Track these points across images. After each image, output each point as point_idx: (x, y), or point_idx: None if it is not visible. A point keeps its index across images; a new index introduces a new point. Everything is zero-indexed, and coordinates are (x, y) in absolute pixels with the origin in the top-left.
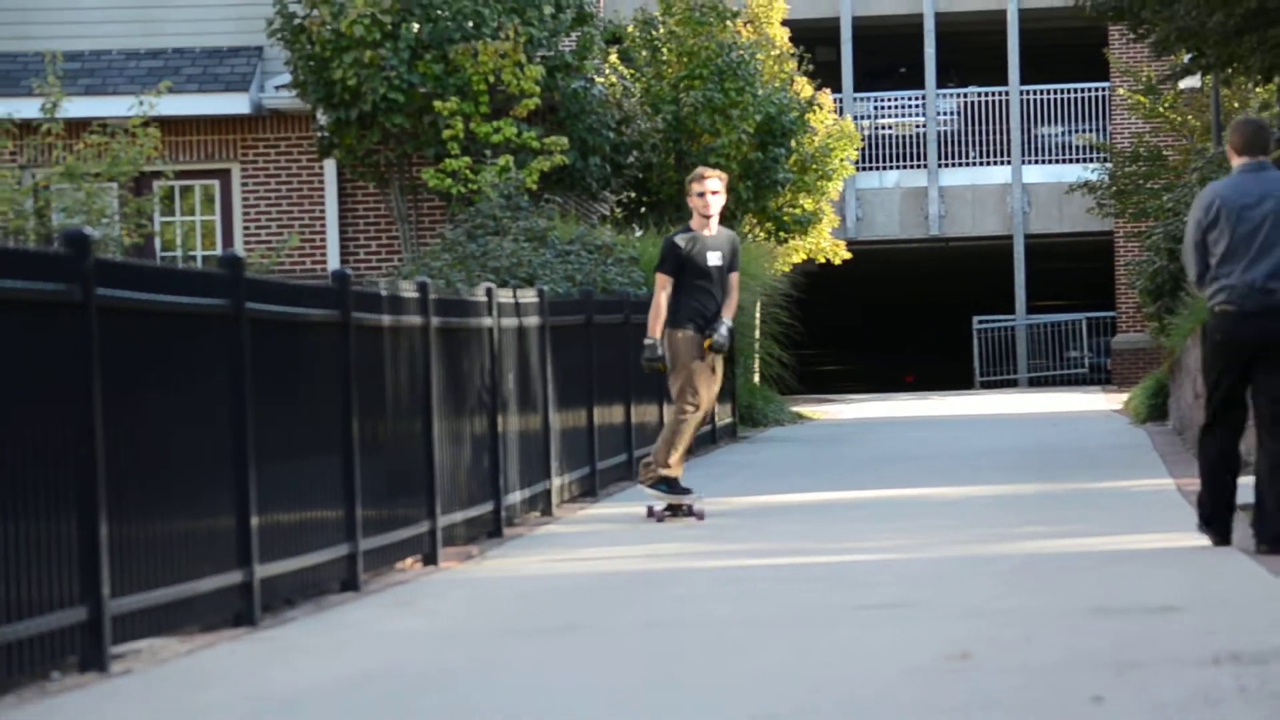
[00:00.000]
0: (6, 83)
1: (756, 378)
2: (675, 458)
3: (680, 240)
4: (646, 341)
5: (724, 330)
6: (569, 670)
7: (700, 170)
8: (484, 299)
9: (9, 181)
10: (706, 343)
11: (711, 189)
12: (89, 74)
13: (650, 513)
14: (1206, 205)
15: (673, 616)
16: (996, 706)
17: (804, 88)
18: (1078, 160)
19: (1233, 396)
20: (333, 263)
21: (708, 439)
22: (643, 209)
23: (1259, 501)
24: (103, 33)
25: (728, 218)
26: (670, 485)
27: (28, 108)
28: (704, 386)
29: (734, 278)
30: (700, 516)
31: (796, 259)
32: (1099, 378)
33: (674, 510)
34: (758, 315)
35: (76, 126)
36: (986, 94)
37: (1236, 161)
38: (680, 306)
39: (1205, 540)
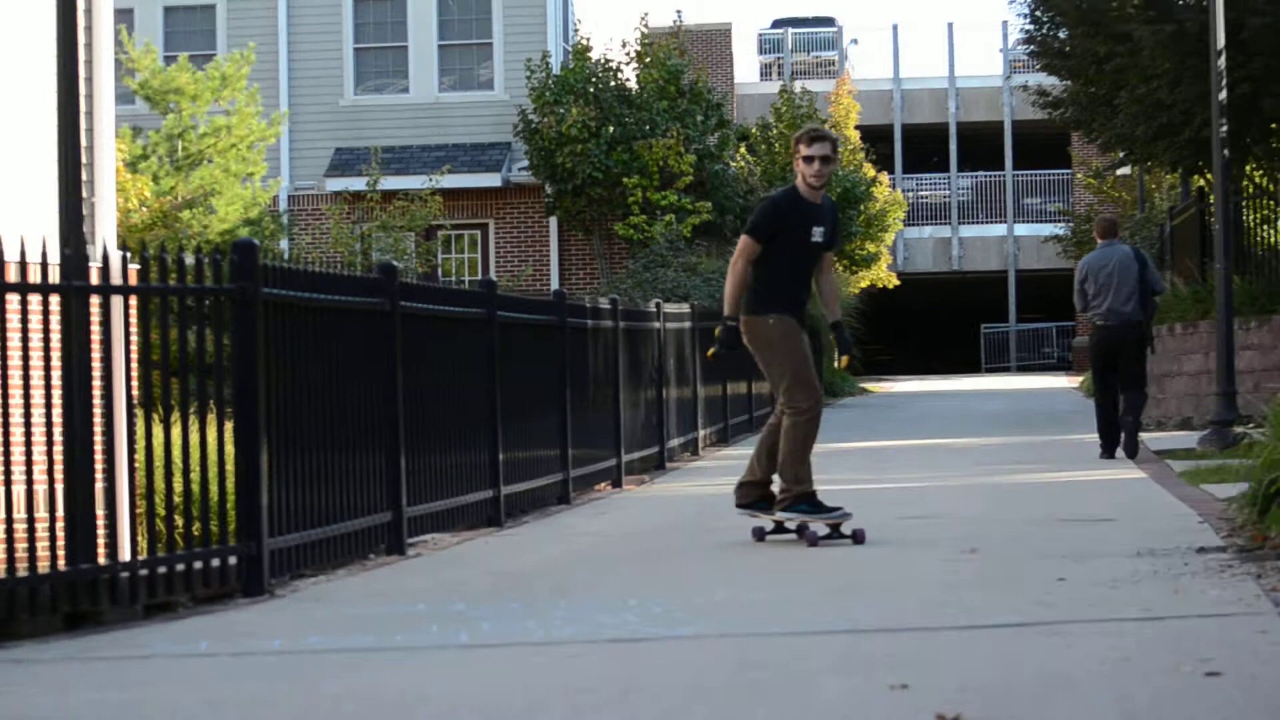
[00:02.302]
0: (346, 168)
1: (836, 364)
2: (809, 469)
3: (784, 204)
4: (729, 323)
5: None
6: (710, 558)
7: (812, 128)
8: (654, 310)
9: (346, 231)
10: (844, 361)
11: (821, 154)
12: (397, 161)
13: (764, 532)
14: (1081, 268)
15: None
16: (994, 582)
17: (869, 170)
18: (1051, 220)
19: (1107, 376)
20: (554, 285)
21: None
22: None
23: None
24: (407, 134)
25: None
26: (811, 502)
27: (357, 183)
28: (815, 378)
29: (830, 260)
30: (858, 539)
31: (864, 285)
32: (1063, 366)
33: (834, 531)
34: None
35: (388, 195)
36: (990, 176)
37: (1100, 241)
38: (773, 287)
39: (1131, 473)
